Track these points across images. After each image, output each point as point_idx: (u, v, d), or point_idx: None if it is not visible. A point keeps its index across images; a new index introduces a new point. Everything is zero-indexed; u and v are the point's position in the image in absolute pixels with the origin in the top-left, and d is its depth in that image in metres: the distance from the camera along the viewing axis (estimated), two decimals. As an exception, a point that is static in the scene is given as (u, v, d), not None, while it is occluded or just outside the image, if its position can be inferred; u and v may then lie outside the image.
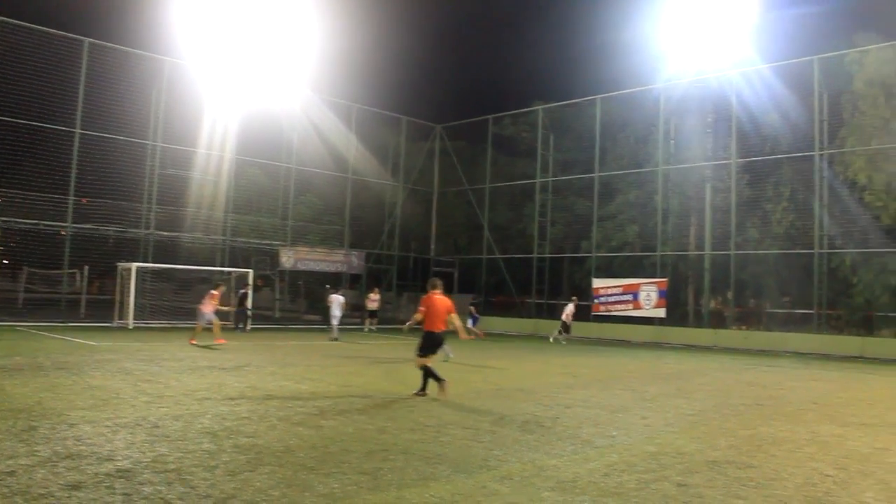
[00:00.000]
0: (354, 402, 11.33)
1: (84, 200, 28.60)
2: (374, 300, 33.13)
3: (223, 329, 24.12)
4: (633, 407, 11.99)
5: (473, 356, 21.99)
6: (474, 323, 29.04)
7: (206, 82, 31.95)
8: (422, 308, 12.54)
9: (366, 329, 32.62)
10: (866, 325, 30.61)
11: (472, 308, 29.66)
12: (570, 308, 30.27)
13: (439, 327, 12.40)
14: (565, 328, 30.00)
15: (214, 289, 22.71)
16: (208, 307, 21.80)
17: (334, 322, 25.91)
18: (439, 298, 12.55)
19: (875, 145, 28.61)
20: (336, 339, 25.32)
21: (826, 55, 29.60)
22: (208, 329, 21.82)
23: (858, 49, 29.39)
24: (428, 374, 12.19)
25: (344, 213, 37.71)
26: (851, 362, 24.47)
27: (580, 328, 32.90)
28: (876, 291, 29.07)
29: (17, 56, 26.60)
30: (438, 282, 13.00)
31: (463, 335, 13.12)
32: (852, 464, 8.14)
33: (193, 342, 21.34)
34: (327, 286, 26.25)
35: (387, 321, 38.74)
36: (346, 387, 13.01)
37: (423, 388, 12.19)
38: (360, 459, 7.46)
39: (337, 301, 25.99)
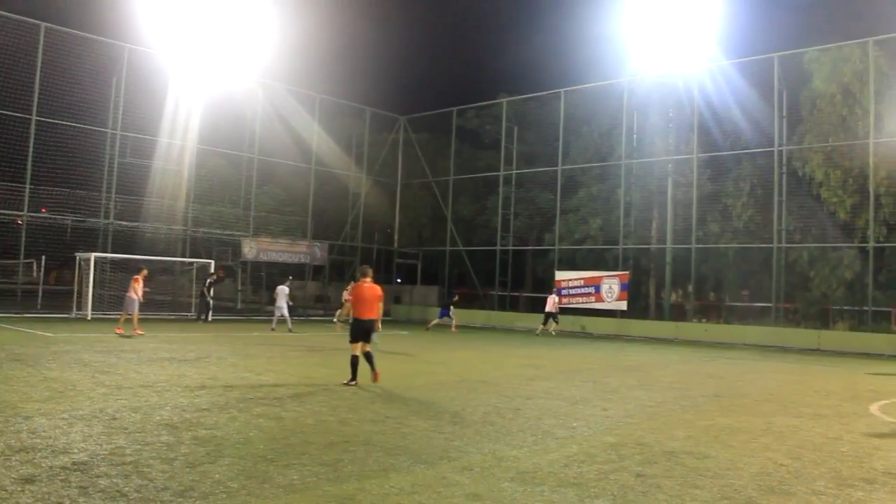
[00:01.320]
0: (316, 394, 11.28)
1: (44, 210, 28.07)
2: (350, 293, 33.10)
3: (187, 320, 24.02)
4: (593, 398, 12.09)
5: (437, 348, 22.05)
6: (442, 316, 29.41)
7: (167, 70, 31.49)
8: (349, 297, 12.90)
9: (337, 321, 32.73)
10: (822, 318, 31.21)
11: (451, 304, 30.43)
12: (553, 299, 30.80)
13: (367, 315, 12.47)
14: (553, 318, 30.42)
15: (137, 273, 22.52)
16: (135, 293, 21.63)
17: (277, 313, 25.64)
18: (368, 286, 12.62)
19: (832, 142, 29.14)
20: (273, 330, 25.26)
21: (786, 53, 30.05)
22: (129, 319, 21.67)
23: (817, 48, 29.86)
24: (354, 363, 12.34)
25: (307, 204, 37.48)
26: (808, 355, 24.91)
27: (540, 321, 33.16)
28: (832, 285, 29.66)
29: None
30: (368, 270, 13.09)
31: (378, 326, 13.17)
32: (806, 453, 8.29)
33: (120, 331, 21.34)
34: (290, 277, 26.06)
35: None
36: (307, 378, 12.95)
37: (353, 377, 12.31)
38: (320, 451, 7.43)
39: (282, 292, 25.75)
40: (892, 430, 9.88)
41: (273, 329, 25.45)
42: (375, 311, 12.63)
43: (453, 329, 29.76)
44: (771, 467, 7.55)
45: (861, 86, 28.50)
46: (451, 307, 30.14)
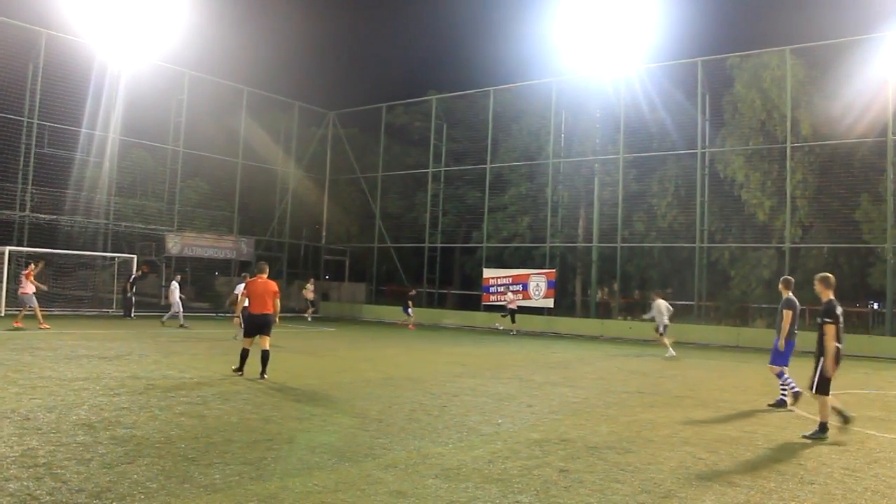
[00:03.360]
0: (240, 392, 11.11)
1: None
2: (310, 290, 34.04)
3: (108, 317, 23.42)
4: (519, 395, 12.20)
5: (363, 345, 21.97)
6: (405, 310, 31.06)
7: (88, 58, 30.51)
8: (244, 292, 13.40)
9: (308, 318, 33.42)
10: (742, 315, 32.16)
11: (409, 301, 31.40)
12: (511, 296, 31.26)
13: (260, 310, 12.80)
14: (512, 316, 30.62)
15: (26, 267, 22.07)
16: (28, 288, 21.22)
17: (172, 308, 25.12)
18: (262, 282, 12.99)
19: (752, 146, 30.04)
20: (162, 323, 24.82)
21: (708, 58, 30.85)
22: (30, 314, 21.24)
23: (738, 54, 30.70)
24: (244, 355, 12.83)
25: (234, 199, 36.88)
26: (728, 351, 25.60)
27: (468, 318, 33.46)
28: (752, 284, 30.59)
29: None
30: (265, 266, 13.45)
31: (277, 319, 13.30)
32: (723, 447, 8.52)
33: (18, 324, 20.92)
34: (244, 274, 25.67)
35: (277, 309, 38.16)
36: (231, 376, 12.73)
37: (240, 367, 12.85)
38: (243, 449, 7.33)
39: (174, 287, 25.33)
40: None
41: (163, 322, 24.97)
42: (269, 307, 12.89)
43: (410, 327, 30.62)
44: (690, 461, 7.74)
45: (779, 92, 29.44)
46: (410, 304, 31.21)
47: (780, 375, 11.97)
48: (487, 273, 35.26)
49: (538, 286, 33.32)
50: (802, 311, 12.86)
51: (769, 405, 11.94)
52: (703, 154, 30.72)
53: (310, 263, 41.78)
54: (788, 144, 28.53)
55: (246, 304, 13.51)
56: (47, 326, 20.88)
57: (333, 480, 6.34)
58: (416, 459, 7.27)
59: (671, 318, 22.22)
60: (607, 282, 35.50)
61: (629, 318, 33.96)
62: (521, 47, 50.21)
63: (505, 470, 6.99)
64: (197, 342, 19.49)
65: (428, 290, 38.17)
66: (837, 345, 9.15)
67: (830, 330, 9.18)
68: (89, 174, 31.28)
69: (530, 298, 33.44)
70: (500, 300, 33.64)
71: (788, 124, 28.62)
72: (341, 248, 42.31)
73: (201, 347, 18.04)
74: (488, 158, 36.34)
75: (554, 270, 33.46)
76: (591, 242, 33.70)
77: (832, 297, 9.48)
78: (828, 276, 9.67)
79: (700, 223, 30.34)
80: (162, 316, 25.87)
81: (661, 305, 21.85)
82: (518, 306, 31.52)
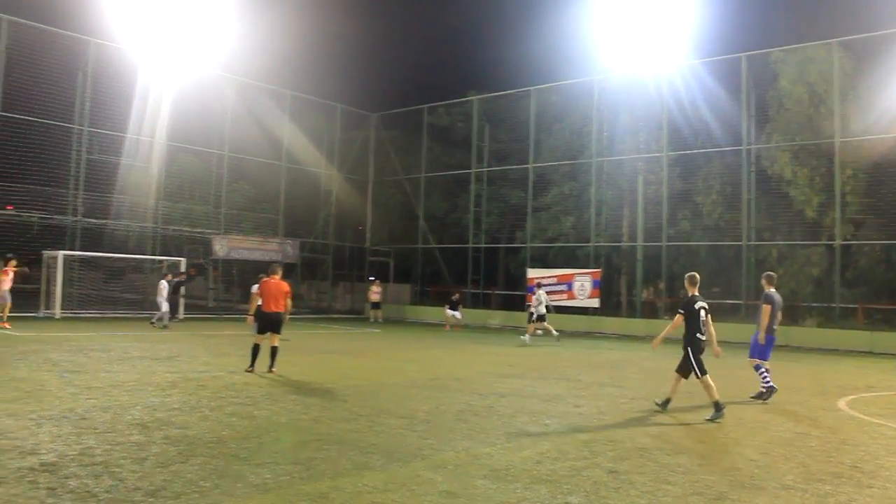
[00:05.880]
0: (288, 392, 11.24)
1: (9, 207, 27.60)
2: (376, 292, 34.90)
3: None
4: (566, 396, 12.15)
5: (408, 346, 22.05)
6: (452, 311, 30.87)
7: (135, 65, 31.08)
8: (258, 291, 14.05)
9: (371, 320, 34.08)
10: (791, 315, 31.53)
11: (454, 302, 31.18)
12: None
13: (272, 308, 13.57)
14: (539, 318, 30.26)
15: (6, 264, 22.45)
16: (5, 284, 21.68)
17: (161, 308, 24.77)
18: (274, 283, 13.74)
19: (799, 141, 29.50)
20: (153, 324, 24.47)
21: (753, 53, 30.34)
22: None
23: (783, 48, 30.19)
24: (255, 351, 13.54)
25: (278, 202, 37.26)
26: (777, 351, 25.05)
27: (515, 318, 33.30)
28: (801, 282, 30.01)
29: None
30: (278, 267, 14.27)
31: (287, 317, 14.14)
32: (775, 448, 8.40)
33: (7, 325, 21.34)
34: (260, 276, 25.77)
35: (322, 310, 38.53)
36: (279, 376, 12.89)
37: (252, 366, 13.44)
38: (293, 449, 7.41)
39: (162, 287, 24.98)
40: (858, 425, 10.04)
41: (153, 323, 24.62)
42: (281, 305, 13.68)
43: (447, 328, 30.36)
44: (741, 462, 7.64)
45: (826, 86, 28.85)
46: (458, 305, 31.17)
47: (757, 368, 12.49)
48: (532, 273, 35.12)
49: (583, 286, 33.12)
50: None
51: (751, 396, 12.42)
52: (749, 151, 30.24)
53: (355, 265, 42.03)
54: (837, 139, 27.96)
55: (259, 302, 13.95)
56: (8, 326, 21.43)
57: (383, 480, 6.39)
58: (464, 460, 7.29)
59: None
60: (653, 281, 35.12)
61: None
62: (561, 46, 49.78)
63: (554, 471, 6.98)
64: (245, 344, 19.70)
65: (472, 291, 38.15)
66: (701, 337, 10.58)
67: (677, 320, 10.81)
68: (137, 179, 31.83)
69: (575, 298, 33.25)
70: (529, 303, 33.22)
71: (837, 119, 28.05)
72: (385, 250, 42.50)
73: (249, 348, 18.20)
74: (530, 158, 36.19)
75: (599, 270, 33.23)
76: (636, 242, 33.38)
77: (696, 293, 10.87)
78: (693, 275, 11.10)
79: (746, 221, 29.88)
80: (210, 317, 26.12)
81: (542, 296, 25.64)
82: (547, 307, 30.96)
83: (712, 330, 10.88)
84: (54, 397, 9.89)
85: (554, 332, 24.83)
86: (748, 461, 7.72)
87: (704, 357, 10.71)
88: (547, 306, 27.07)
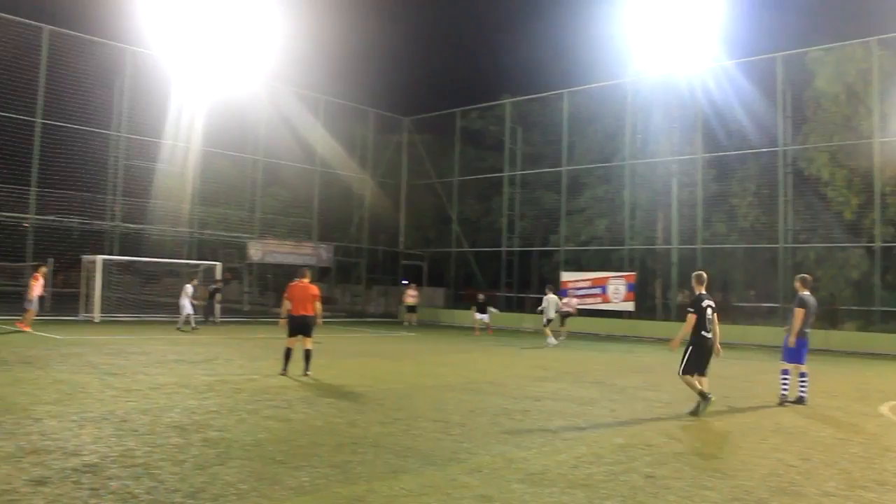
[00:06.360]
0: (323, 395, 11.31)
1: (50, 215, 28.13)
2: (412, 296, 35.08)
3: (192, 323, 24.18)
4: (601, 399, 12.09)
5: (442, 350, 22.07)
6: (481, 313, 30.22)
7: (171, 72, 31.54)
8: (286, 295, 14.00)
9: (405, 324, 34.16)
10: (830, 318, 31.06)
11: (483, 304, 30.59)
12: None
13: (301, 311, 13.69)
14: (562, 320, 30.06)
15: (36, 270, 22.80)
16: (35, 290, 22.01)
17: (183, 311, 24.88)
18: (301, 286, 13.85)
19: (837, 142, 29.05)
20: (189, 331, 24.37)
21: (789, 52, 29.96)
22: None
23: (820, 48, 29.75)
24: (287, 354, 13.60)
25: (312, 206, 37.52)
26: (816, 355, 24.67)
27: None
28: (840, 285, 29.54)
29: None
30: (306, 271, 14.47)
31: (319, 321, 14.09)
32: (815, 454, 8.28)
33: (27, 328, 21.47)
34: (194, 279, 25.85)
35: (356, 314, 38.71)
36: (314, 380, 12.96)
37: (284, 370, 13.48)
38: (329, 452, 7.45)
39: (186, 291, 25.06)
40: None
41: (189, 331, 24.53)
42: (310, 308, 13.75)
43: (476, 333, 29.66)
44: (781, 468, 7.54)
45: (865, 85, 28.40)
46: (486, 307, 30.60)
47: (783, 372, 12.29)
48: (566, 276, 34.98)
49: (617, 290, 32.93)
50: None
51: (789, 402, 12.10)
52: (785, 152, 29.86)
53: (389, 269, 42.18)
54: (876, 139, 27.49)
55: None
56: (28, 328, 21.59)
57: (419, 484, 6.40)
58: (500, 464, 7.28)
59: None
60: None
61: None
62: (593, 48, 49.59)
63: (590, 475, 6.94)
64: (279, 348, 19.84)
65: (506, 294, 38.09)
66: (706, 334, 10.71)
67: (691, 319, 10.73)
68: (174, 184, 32.27)
69: (609, 302, 33.07)
70: (582, 304, 33.07)
71: (875, 118, 27.59)
72: (419, 253, 42.61)
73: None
74: (564, 161, 36.09)
75: (633, 273, 33.01)
76: (671, 244, 33.11)
77: (703, 291, 11.05)
78: (700, 274, 11.41)
79: (783, 223, 29.50)
80: (246, 321, 26.32)
81: (552, 300, 25.63)
82: (576, 310, 30.83)
83: (717, 329, 10.97)
84: (95, 399, 10.05)
85: (551, 340, 25.03)
86: (788, 467, 7.62)
87: (709, 357, 10.89)
88: (564, 312, 27.30)
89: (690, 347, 10.82)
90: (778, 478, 7.15)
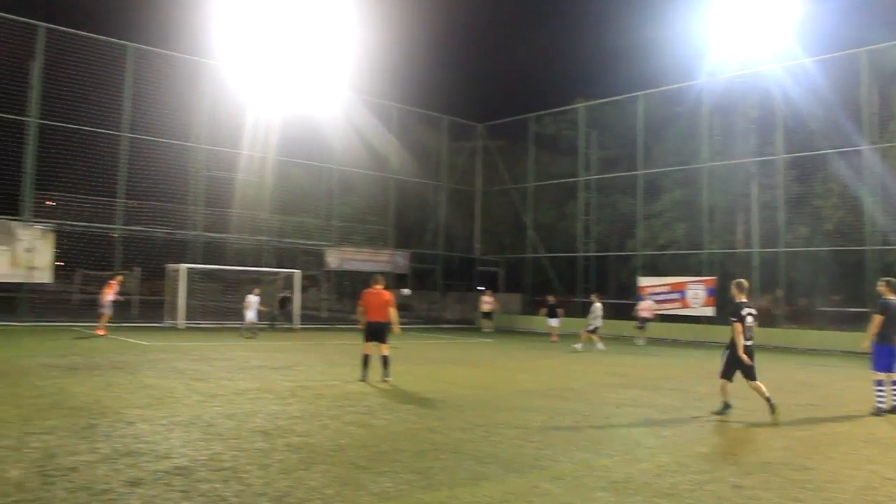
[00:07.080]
0: (404, 401, 11.39)
1: (133, 203, 29.11)
2: (487, 302, 35.29)
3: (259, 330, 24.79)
4: (683, 407, 11.87)
5: (519, 356, 22.00)
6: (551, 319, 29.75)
7: (247, 85, 32.32)
8: (361, 303, 14.13)
9: (482, 330, 34.32)
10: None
11: (555, 309, 30.14)
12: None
13: (374, 318, 13.81)
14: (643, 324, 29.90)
15: (112, 279, 23.64)
16: (108, 296, 22.82)
17: (246, 319, 25.38)
18: (374, 293, 13.93)
19: (928, 138, 27.89)
20: (250, 337, 24.63)
21: (874, 47, 28.88)
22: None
23: (908, 40, 28.61)
24: (365, 361, 13.79)
25: (387, 213, 37.89)
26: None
27: (626, 328, 32.64)
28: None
29: (65, 62, 27.20)
30: (380, 278, 14.45)
31: (396, 328, 14.15)
32: (912, 465, 7.96)
33: (102, 332, 22.31)
34: (256, 289, 26.25)
35: (433, 320, 38.88)
36: (394, 386, 13.07)
37: (363, 376, 13.65)
38: (411, 458, 7.50)
39: (252, 302, 25.49)
40: None
41: (250, 337, 24.76)
42: (384, 315, 13.86)
43: (553, 339, 29.21)
44: (876, 481, 7.26)
45: (959, 78, 27.23)
46: (557, 310, 30.17)
47: (878, 383, 11.73)
48: (643, 281, 34.48)
49: (696, 294, 32.29)
50: None
51: (885, 412, 11.59)
52: (872, 150, 28.78)
53: (465, 275, 42.25)
54: (970, 136, 26.34)
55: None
56: (104, 332, 22.49)
57: (501, 491, 6.38)
58: (582, 471, 7.22)
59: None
60: (770, 288, 33.87)
61: (795, 326, 32.26)
62: (667, 49, 48.76)
63: (674, 484, 6.82)
64: (357, 354, 20.07)
65: (583, 300, 37.71)
66: (746, 342, 10.76)
67: (738, 327, 10.72)
68: (253, 194, 33.02)
69: (688, 307, 32.46)
70: (660, 310, 32.60)
71: (971, 113, 26.44)
72: (494, 259, 42.58)
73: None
74: (639, 164, 35.60)
75: (713, 278, 32.30)
76: (752, 248, 32.29)
77: (744, 299, 11.07)
78: (741, 282, 11.42)
79: (870, 224, 28.44)
80: (324, 327, 26.68)
81: (598, 308, 25.41)
82: (655, 314, 30.53)
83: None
84: (182, 404, 10.35)
85: (578, 346, 24.64)
86: (884, 479, 7.33)
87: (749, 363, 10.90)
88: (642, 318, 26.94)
89: (728, 352, 10.98)
90: (873, 490, 6.89)
